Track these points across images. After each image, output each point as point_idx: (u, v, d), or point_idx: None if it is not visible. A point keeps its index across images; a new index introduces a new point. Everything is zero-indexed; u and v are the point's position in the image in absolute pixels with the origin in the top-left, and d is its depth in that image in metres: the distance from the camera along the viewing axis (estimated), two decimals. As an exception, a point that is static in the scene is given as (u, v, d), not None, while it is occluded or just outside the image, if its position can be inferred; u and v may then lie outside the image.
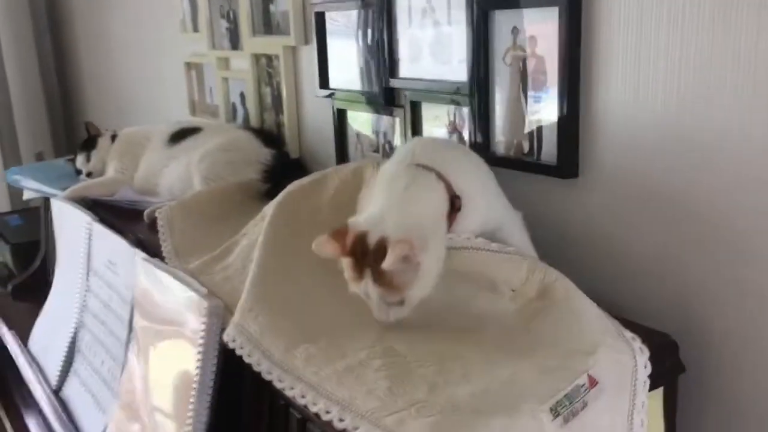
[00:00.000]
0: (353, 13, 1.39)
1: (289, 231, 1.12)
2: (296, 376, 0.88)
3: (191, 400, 1.00)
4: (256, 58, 1.76)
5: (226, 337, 0.97)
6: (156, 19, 2.31)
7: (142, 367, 1.14)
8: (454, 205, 0.91)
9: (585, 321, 0.85)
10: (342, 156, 1.51)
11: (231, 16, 1.84)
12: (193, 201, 1.43)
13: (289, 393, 0.87)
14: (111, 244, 1.39)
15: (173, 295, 1.08)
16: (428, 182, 0.91)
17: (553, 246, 1.01)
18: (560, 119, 1.01)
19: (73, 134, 3.33)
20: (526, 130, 1.08)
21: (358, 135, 1.47)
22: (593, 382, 0.78)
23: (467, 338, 0.88)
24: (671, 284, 0.95)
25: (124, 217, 1.57)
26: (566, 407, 0.75)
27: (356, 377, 0.84)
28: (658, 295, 0.96)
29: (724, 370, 0.92)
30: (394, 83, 1.31)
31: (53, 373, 1.51)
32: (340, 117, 1.49)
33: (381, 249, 0.83)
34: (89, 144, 1.78)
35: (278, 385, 0.89)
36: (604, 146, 0.99)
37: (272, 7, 1.65)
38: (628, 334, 0.84)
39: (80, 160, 1.78)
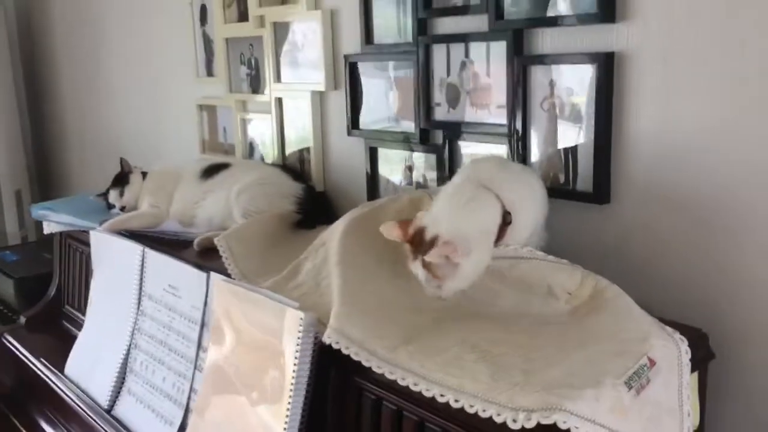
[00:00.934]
0: (389, 65, 1.59)
1: (360, 250, 1.28)
2: (405, 369, 1.02)
3: (288, 401, 1.14)
4: (279, 101, 1.93)
5: (327, 340, 1.09)
6: (162, 64, 2.45)
7: (228, 376, 1.26)
8: (506, 219, 1.11)
9: (634, 316, 1.03)
10: (373, 189, 1.68)
11: (252, 63, 2.00)
12: (245, 230, 1.57)
13: (402, 383, 1.02)
14: (171, 269, 1.51)
15: (263, 310, 1.21)
16: (487, 200, 1.11)
17: (590, 262, 1.21)
18: (595, 153, 1.22)
19: (47, 175, 3.39)
20: (562, 163, 1.28)
21: (390, 171, 1.65)
22: (652, 363, 0.96)
23: (536, 334, 1.06)
24: (701, 287, 1.16)
25: (166, 246, 1.68)
26: (636, 381, 0.93)
27: (458, 368, 0.99)
28: (690, 296, 1.17)
29: (747, 357, 1.13)
30: (430, 125, 1.50)
31: (104, 394, 1.60)
32: (372, 154, 1.67)
33: (431, 243, 1.06)
34: (122, 179, 1.89)
35: (390, 377, 1.03)
36: (632, 174, 1.21)
37: (300, 56, 1.83)
38: (668, 329, 1.02)
39: (114, 195, 1.88)
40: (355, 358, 1.07)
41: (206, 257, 1.58)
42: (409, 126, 1.57)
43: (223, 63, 2.08)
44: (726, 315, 1.14)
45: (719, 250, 1.14)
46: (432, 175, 1.54)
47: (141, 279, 1.60)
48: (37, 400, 1.88)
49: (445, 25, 1.46)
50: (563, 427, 0.85)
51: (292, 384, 1.14)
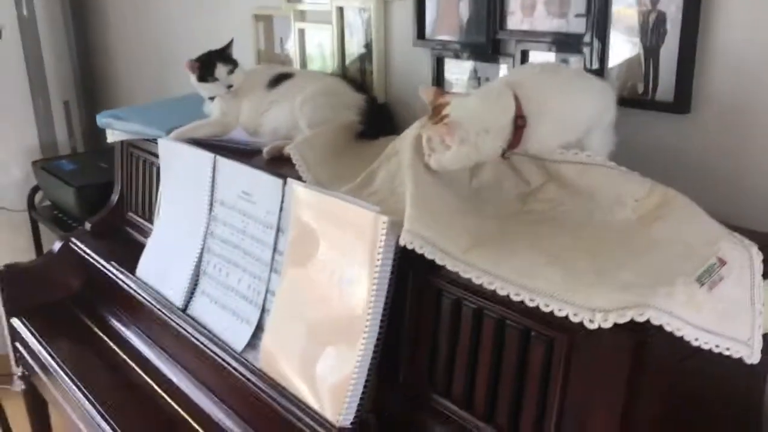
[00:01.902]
0: (459, -29, 1.57)
1: None
2: (479, 269, 1.07)
3: (371, 300, 1.19)
4: (340, 10, 1.92)
5: (402, 241, 1.13)
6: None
7: (310, 262, 1.31)
8: (517, 123, 1.14)
9: (702, 223, 1.05)
10: (438, 100, 1.68)
11: (312, -29, 1.98)
12: (315, 139, 1.59)
13: (476, 281, 1.06)
14: (244, 176, 1.55)
15: (344, 214, 1.25)
16: (501, 99, 1.15)
17: (670, 173, 1.22)
18: (679, 61, 1.21)
19: (94, 86, 3.41)
20: (642, 72, 1.28)
21: (456, 83, 1.65)
22: (722, 262, 0.98)
23: (603, 240, 1.08)
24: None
25: (234, 154, 1.72)
26: (707, 278, 0.96)
27: (530, 270, 1.03)
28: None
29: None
30: (503, 35, 1.49)
31: (178, 295, 1.67)
32: (438, 65, 1.67)
33: (441, 118, 1.15)
34: (230, 58, 1.82)
35: (464, 275, 1.08)
36: (715, 84, 1.21)
37: (363, -36, 1.81)
38: (737, 235, 1.03)
39: (223, 69, 1.78)
40: (429, 257, 1.10)
41: (276, 165, 1.61)
42: (479, 36, 1.56)
43: (280, -29, 2.06)
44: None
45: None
46: (502, 85, 1.54)
47: (212, 186, 1.64)
48: (107, 301, 1.97)
49: (523, -71, 1.43)
50: (640, 319, 0.89)
51: (374, 287, 1.18)
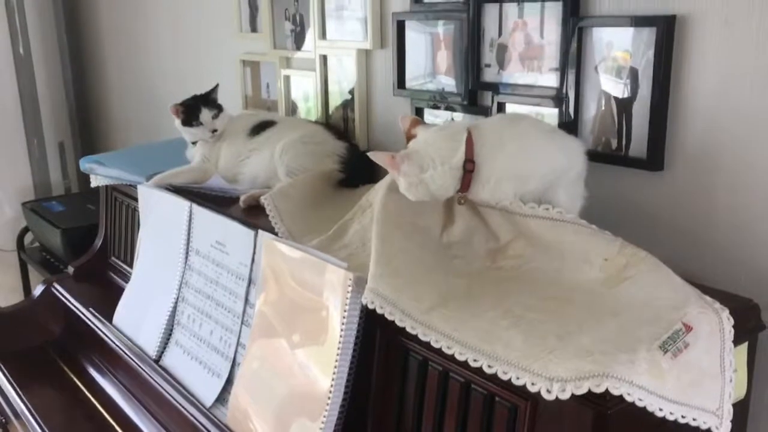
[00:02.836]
0: (438, 24, 1.56)
1: (399, 209, 1.26)
2: (439, 332, 1.04)
3: (336, 358, 1.16)
4: (323, 58, 1.92)
5: (364, 300, 1.11)
6: (205, 19, 2.44)
7: (276, 333, 1.29)
8: (465, 167, 1.13)
9: (671, 286, 1.02)
10: (418, 150, 1.67)
11: (297, 19, 1.99)
12: (290, 188, 1.57)
13: (435, 345, 1.04)
14: (218, 225, 1.53)
15: (311, 269, 1.23)
16: (456, 140, 1.14)
17: (640, 230, 1.20)
18: (651, 119, 1.20)
19: (89, 128, 3.43)
20: (615, 128, 1.26)
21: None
22: (689, 328, 0.94)
23: (568, 301, 1.05)
24: (754, 258, 1.15)
25: (211, 202, 1.70)
26: (672, 345, 0.92)
27: (491, 334, 1.00)
28: (743, 267, 1.16)
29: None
30: (479, 87, 1.49)
31: (151, 345, 1.65)
32: (418, 114, 1.66)
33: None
34: (215, 103, 1.81)
35: (423, 338, 1.06)
36: (688, 141, 1.19)
37: (346, 14, 1.81)
38: (708, 299, 1.00)
39: (207, 114, 1.78)
40: (389, 317, 1.08)
41: (252, 215, 1.59)
42: (457, 87, 1.55)
43: (267, 18, 2.07)
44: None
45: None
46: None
47: (188, 234, 1.62)
48: (85, 348, 1.94)
49: (498, -17, 1.43)
50: (597, 390, 0.86)
51: (339, 345, 1.16)
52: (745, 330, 1.05)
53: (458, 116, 1.57)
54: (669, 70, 1.18)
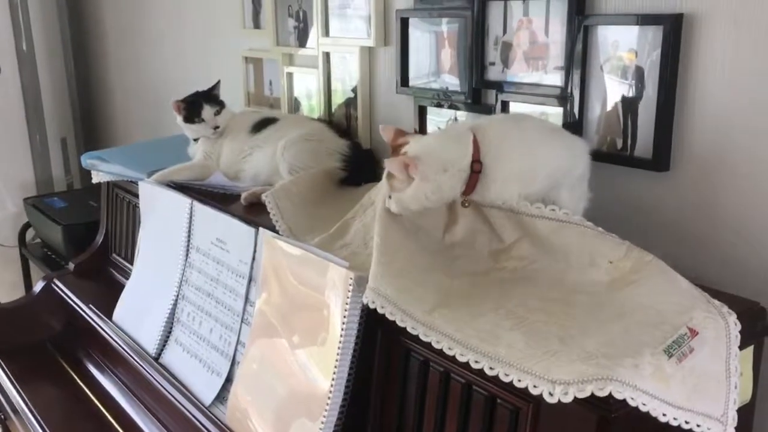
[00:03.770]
0: (442, 21, 1.55)
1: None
2: (440, 332, 1.02)
3: (336, 358, 1.15)
4: (326, 55, 1.91)
5: (365, 300, 1.10)
6: (208, 15, 2.43)
7: (276, 332, 1.28)
8: (473, 168, 1.11)
9: (677, 290, 1.00)
10: (421, 148, 1.66)
11: (300, 15, 1.98)
12: (292, 186, 1.56)
13: (436, 346, 1.02)
14: (219, 223, 1.52)
15: (312, 267, 1.22)
16: (462, 141, 1.12)
17: (646, 231, 1.18)
18: (657, 119, 1.18)
19: (91, 124, 3.42)
20: (620, 128, 1.25)
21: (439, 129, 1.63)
22: (694, 333, 0.93)
23: (572, 303, 1.03)
24: (761, 260, 1.13)
25: (212, 199, 1.69)
26: (677, 349, 0.91)
27: (493, 335, 0.98)
28: (750, 268, 1.14)
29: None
30: (483, 85, 1.47)
31: (151, 342, 1.64)
32: (421, 112, 1.65)
33: (400, 153, 1.13)
34: (217, 99, 1.81)
35: (425, 339, 1.04)
36: (694, 142, 1.17)
37: (349, 11, 1.80)
38: (716, 303, 0.99)
39: (209, 111, 1.78)
40: (390, 317, 1.07)
41: (253, 212, 1.58)
42: (460, 85, 1.54)
43: (270, 15, 2.06)
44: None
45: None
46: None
47: (189, 232, 1.61)
48: (84, 344, 1.93)
49: (503, -19, 1.42)
50: (601, 394, 0.84)
51: (339, 345, 1.15)
52: (752, 333, 1.03)
53: (462, 115, 1.56)
54: (676, 70, 1.16)
